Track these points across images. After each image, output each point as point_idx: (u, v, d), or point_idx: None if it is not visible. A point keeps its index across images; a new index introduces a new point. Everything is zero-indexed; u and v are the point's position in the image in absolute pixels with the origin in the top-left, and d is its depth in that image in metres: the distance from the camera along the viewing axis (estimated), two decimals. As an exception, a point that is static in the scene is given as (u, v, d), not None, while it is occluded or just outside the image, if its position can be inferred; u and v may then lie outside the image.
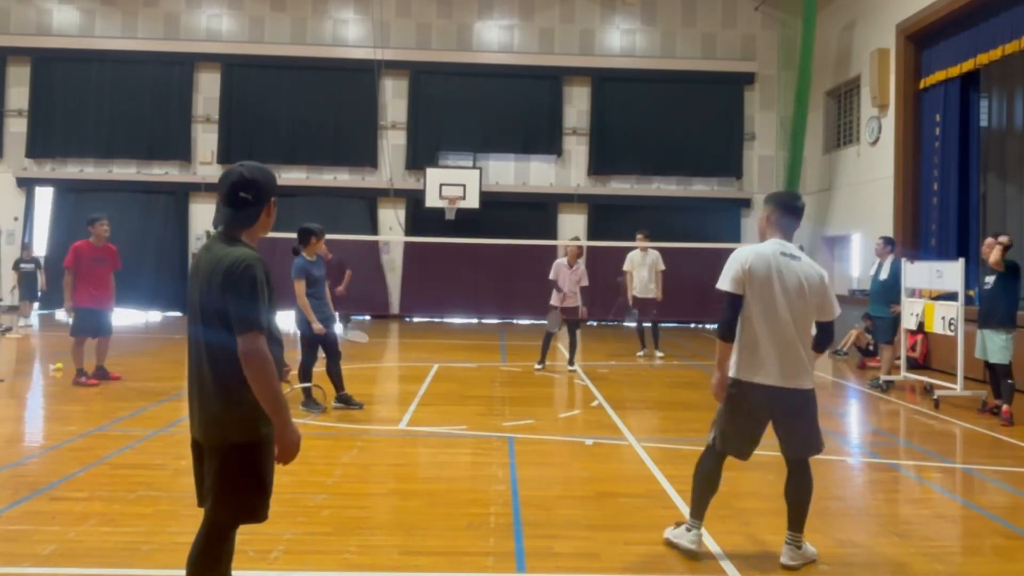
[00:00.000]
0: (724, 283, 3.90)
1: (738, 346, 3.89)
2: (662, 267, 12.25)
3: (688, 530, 4.02)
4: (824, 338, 3.97)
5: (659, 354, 12.14)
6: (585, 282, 10.64)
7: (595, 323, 17.95)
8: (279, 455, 2.81)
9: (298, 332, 7.63)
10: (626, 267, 12.42)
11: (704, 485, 4.03)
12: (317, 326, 7.40)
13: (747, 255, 3.88)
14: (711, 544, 4.12)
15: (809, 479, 3.95)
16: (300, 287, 7.49)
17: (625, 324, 12.26)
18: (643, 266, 12.19)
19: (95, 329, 8.67)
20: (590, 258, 18.15)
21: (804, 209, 4.09)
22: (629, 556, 3.99)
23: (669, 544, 4.09)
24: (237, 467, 2.77)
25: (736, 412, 3.92)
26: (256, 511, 2.84)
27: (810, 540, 4.27)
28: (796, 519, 3.93)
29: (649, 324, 12.36)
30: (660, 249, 12.52)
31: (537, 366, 10.61)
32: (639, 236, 12.24)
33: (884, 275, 9.81)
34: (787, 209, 4.01)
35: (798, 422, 3.88)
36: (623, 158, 18.41)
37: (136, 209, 17.66)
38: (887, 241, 10.09)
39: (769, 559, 4.00)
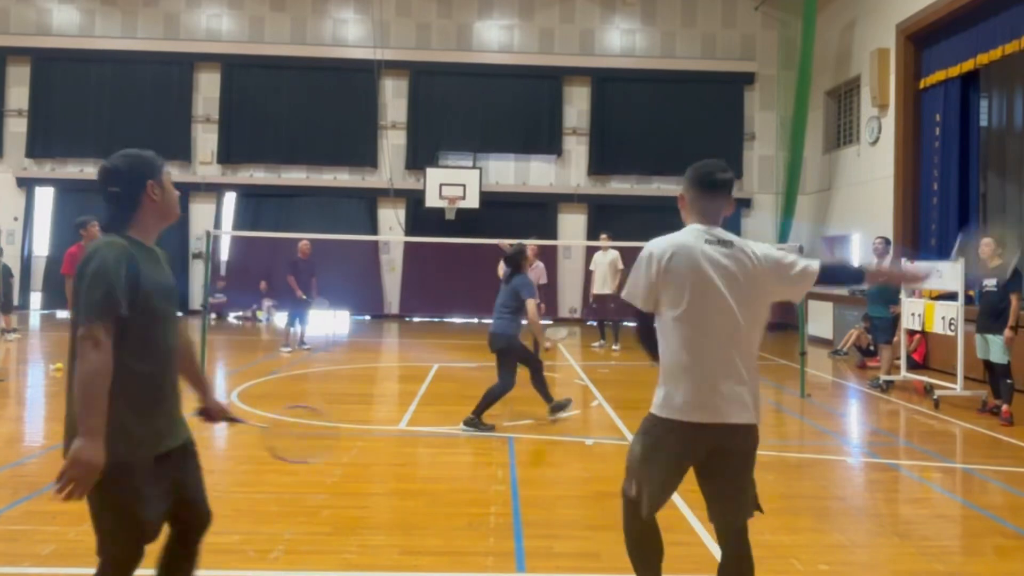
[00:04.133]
0: (627, 293, 2.89)
1: (662, 371, 2.88)
2: (620, 266, 12.82)
3: None
4: (836, 275, 3.02)
5: (616, 347, 12.97)
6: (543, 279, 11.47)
7: (594, 323, 17.92)
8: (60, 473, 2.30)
9: (498, 353, 7.12)
10: (592, 267, 13.28)
11: (643, 554, 2.99)
12: (548, 344, 7.20)
13: (663, 248, 2.82)
14: (711, 545, 4.12)
15: (749, 555, 2.85)
16: (532, 305, 6.97)
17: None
18: (602, 264, 12.96)
19: None
20: (590, 258, 18.18)
21: (731, 182, 2.97)
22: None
23: None
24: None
25: (658, 458, 2.85)
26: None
27: (810, 540, 4.27)
28: None
29: (610, 321, 13.23)
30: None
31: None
32: (603, 236, 12.72)
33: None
34: (705, 184, 2.91)
35: (734, 475, 2.83)
36: (623, 158, 18.41)
37: (136, 209, 17.63)
38: (886, 241, 10.08)
39: (769, 559, 4.00)
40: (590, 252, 18.03)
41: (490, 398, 6.77)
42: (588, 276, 13.65)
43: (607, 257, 12.91)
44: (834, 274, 3.00)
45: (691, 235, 2.85)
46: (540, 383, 7.12)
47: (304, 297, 12.06)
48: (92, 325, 2.31)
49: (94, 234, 8.73)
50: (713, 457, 2.80)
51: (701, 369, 2.77)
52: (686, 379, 2.78)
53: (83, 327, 2.32)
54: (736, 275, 2.79)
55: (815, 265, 2.85)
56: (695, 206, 2.94)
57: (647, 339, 2.93)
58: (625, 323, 13.89)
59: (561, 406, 7.20)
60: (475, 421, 6.72)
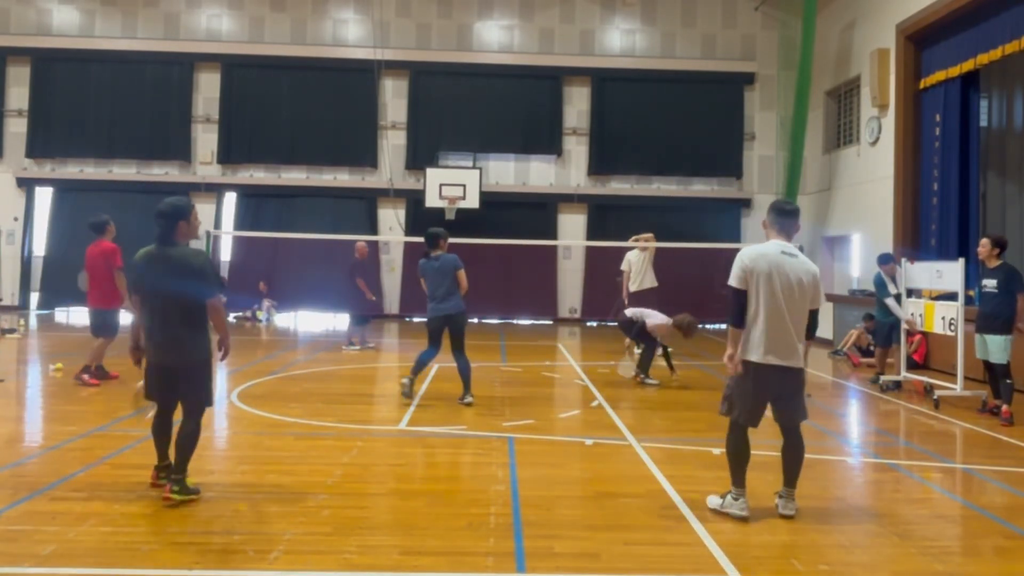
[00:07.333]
0: (732, 279, 4.59)
1: (746, 332, 4.54)
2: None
3: (735, 499, 4.54)
4: (812, 325, 4.62)
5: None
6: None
7: (594, 323, 17.94)
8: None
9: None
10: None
11: (737, 458, 4.63)
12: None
13: (751, 254, 4.57)
14: (711, 545, 4.12)
15: (801, 443, 4.67)
16: (465, 275, 7.93)
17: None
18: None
19: (116, 328, 8.62)
20: (589, 258, 18.23)
21: (798, 212, 4.80)
22: (629, 556, 3.99)
23: (716, 513, 4.54)
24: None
25: (743, 386, 4.59)
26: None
27: (810, 540, 4.28)
28: (791, 477, 4.64)
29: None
30: (659, 249, 12.50)
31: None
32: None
33: (897, 289, 9.77)
34: (780, 213, 4.72)
35: (791, 395, 4.60)
36: (623, 158, 18.42)
37: (136, 209, 17.56)
38: (894, 259, 10.06)
39: (769, 559, 4.00)
40: (590, 252, 18.10)
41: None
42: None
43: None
44: (812, 320, 4.61)
45: (771, 247, 4.61)
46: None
47: (374, 298, 12.33)
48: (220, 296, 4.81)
49: (113, 232, 8.74)
50: (776, 383, 4.55)
51: (767, 330, 4.49)
52: (758, 336, 4.50)
53: (215, 298, 4.74)
54: (792, 277, 4.52)
55: (820, 303, 4.64)
56: (775, 227, 4.71)
57: (740, 308, 4.54)
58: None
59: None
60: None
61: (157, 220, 4.68)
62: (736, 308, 4.57)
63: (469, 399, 7.87)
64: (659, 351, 9.91)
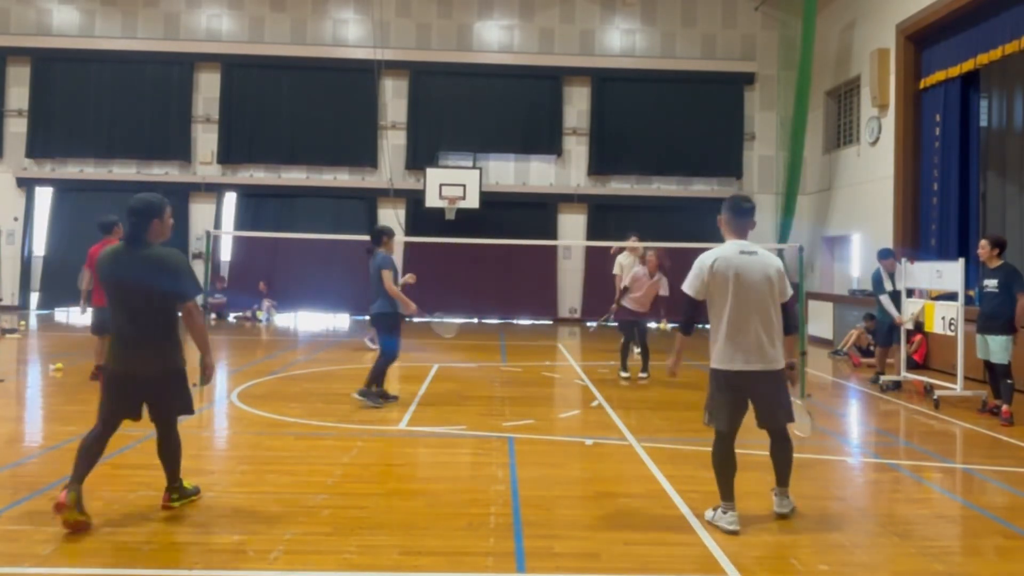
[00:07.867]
0: (686, 286, 4.49)
1: (714, 339, 4.45)
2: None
3: (724, 512, 4.37)
4: (788, 318, 4.52)
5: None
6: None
7: (594, 324, 17.92)
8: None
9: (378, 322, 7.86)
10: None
11: (723, 470, 4.45)
12: (413, 307, 7.80)
13: (710, 258, 4.44)
14: (711, 545, 4.12)
15: (789, 443, 4.58)
16: (389, 276, 7.69)
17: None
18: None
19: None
20: (589, 258, 18.21)
21: (753, 209, 4.63)
22: (629, 556, 3.99)
23: (711, 524, 4.40)
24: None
25: (721, 396, 4.45)
26: None
27: (810, 540, 4.28)
28: (782, 476, 4.60)
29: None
30: (660, 249, 12.47)
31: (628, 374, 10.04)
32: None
33: (897, 286, 9.77)
34: (738, 212, 4.56)
35: (772, 398, 4.46)
36: (623, 158, 18.41)
37: (136, 209, 17.61)
38: (894, 255, 10.06)
39: (769, 559, 4.00)
40: (590, 252, 18.09)
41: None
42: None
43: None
44: (787, 314, 4.52)
45: (729, 248, 4.45)
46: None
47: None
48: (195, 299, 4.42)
49: (121, 232, 8.71)
50: (752, 388, 4.41)
51: (736, 336, 4.35)
52: (727, 342, 4.37)
53: (192, 301, 4.38)
54: (758, 276, 4.39)
55: (788, 294, 4.51)
56: (730, 226, 4.56)
57: (693, 318, 4.55)
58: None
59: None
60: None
61: (128, 217, 4.34)
62: (688, 315, 4.50)
63: (357, 395, 7.71)
64: (637, 349, 10.14)
